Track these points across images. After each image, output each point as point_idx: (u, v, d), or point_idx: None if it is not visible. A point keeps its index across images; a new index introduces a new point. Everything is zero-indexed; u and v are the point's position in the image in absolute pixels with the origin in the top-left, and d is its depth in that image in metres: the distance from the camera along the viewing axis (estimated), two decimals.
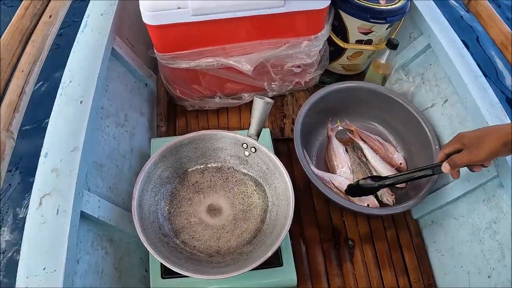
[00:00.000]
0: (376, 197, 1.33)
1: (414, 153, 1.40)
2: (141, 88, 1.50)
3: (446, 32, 1.36)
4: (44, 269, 0.81)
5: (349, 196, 1.30)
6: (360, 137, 1.45)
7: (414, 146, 1.40)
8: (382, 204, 1.31)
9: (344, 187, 1.32)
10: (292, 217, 1.00)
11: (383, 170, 1.37)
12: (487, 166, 1.03)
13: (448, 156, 1.06)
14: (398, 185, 1.33)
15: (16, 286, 0.80)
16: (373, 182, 1.24)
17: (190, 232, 1.09)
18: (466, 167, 1.03)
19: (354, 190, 1.28)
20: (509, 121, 1.13)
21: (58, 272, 0.81)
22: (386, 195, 1.31)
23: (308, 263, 1.29)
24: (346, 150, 1.41)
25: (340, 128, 1.48)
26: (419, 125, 1.34)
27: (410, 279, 1.29)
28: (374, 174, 1.37)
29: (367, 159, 1.41)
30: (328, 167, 1.40)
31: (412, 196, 1.23)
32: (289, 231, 1.05)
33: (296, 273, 1.11)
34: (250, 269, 0.93)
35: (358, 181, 1.27)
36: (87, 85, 1.08)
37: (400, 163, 1.38)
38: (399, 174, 1.23)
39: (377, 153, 1.42)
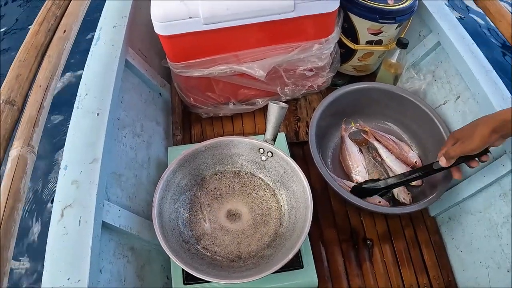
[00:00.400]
0: (392, 196, 1.32)
1: (429, 151, 1.39)
2: (155, 98, 1.50)
3: (455, 29, 1.35)
4: (68, 279, 0.81)
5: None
6: (375, 137, 1.43)
7: (428, 144, 1.39)
8: (398, 203, 1.30)
9: None
10: (311, 220, 1.00)
11: (399, 169, 1.35)
12: (484, 161, 1.05)
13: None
14: (413, 184, 1.32)
15: None
16: (376, 184, 1.26)
17: (211, 238, 1.09)
18: (465, 164, 1.08)
19: (357, 190, 1.28)
20: None
21: (82, 282, 0.81)
22: (402, 194, 1.30)
23: (328, 264, 1.28)
24: (361, 150, 1.41)
25: (354, 129, 1.47)
26: (432, 123, 1.33)
27: (429, 276, 1.28)
28: (390, 173, 1.36)
29: (382, 159, 1.40)
30: (344, 167, 1.39)
31: (428, 194, 1.21)
32: (308, 233, 1.04)
33: (317, 274, 1.10)
34: (271, 272, 0.92)
35: (361, 183, 1.30)
36: (103, 97, 1.08)
37: (415, 162, 1.37)
38: (399, 175, 1.24)
39: (392, 153, 1.40)
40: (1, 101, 0.87)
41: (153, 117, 1.43)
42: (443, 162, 1.08)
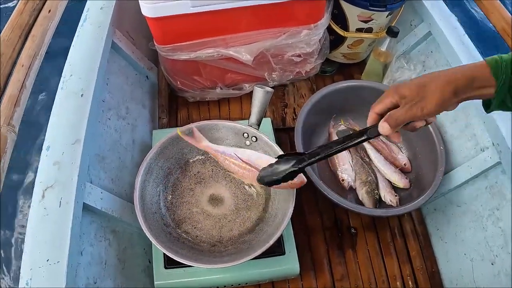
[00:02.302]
0: (379, 198, 1.31)
1: (418, 153, 1.38)
2: (142, 81, 1.51)
3: (447, 19, 1.37)
4: (47, 260, 0.83)
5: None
6: None
7: (418, 146, 1.38)
8: (385, 205, 1.31)
9: (349, 183, 1.33)
10: (293, 205, 1.01)
11: (387, 170, 1.36)
12: (430, 123, 0.82)
13: (380, 116, 0.84)
14: (401, 186, 1.32)
15: (20, 278, 0.82)
16: (294, 163, 0.94)
17: (192, 222, 1.11)
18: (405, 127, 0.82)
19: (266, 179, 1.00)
20: None
21: (61, 263, 0.83)
22: (389, 195, 1.30)
23: (311, 252, 1.30)
24: (348, 149, 1.40)
25: (343, 127, 1.47)
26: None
27: (413, 267, 1.30)
28: (378, 174, 1.35)
29: (370, 159, 1.40)
30: (330, 165, 1.40)
31: (415, 196, 1.20)
32: (291, 220, 1.06)
33: (299, 262, 1.12)
34: (252, 257, 0.94)
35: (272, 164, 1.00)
36: (87, 78, 1.09)
37: (405, 164, 1.37)
38: (325, 146, 0.91)
39: (381, 154, 1.41)
40: None
41: (139, 100, 1.44)
42: (385, 129, 0.80)
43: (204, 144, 1.09)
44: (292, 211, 1.01)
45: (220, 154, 1.07)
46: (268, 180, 0.98)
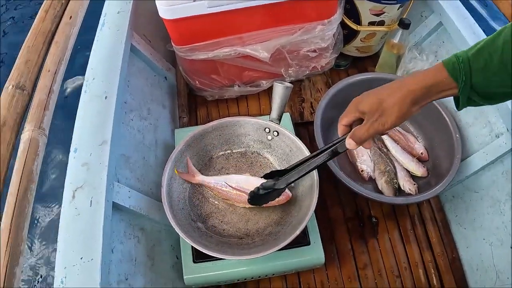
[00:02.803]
0: (398, 186, 1.30)
1: (435, 142, 1.38)
2: (161, 82, 1.51)
3: (457, 9, 1.36)
4: (81, 258, 0.83)
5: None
6: None
7: (435, 136, 1.38)
8: (404, 194, 1.29)
9: (368, 173, 1.33)
10: (317, 196, 1.01)
11: (404, 160, 1.35)
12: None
13: (348, 127, 0.87)
14: (420, 175, 1.32)
15: (55, 277, 0.82)
16: (274, 183, 1.01)
17: (219, 217, 1.11)
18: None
19: (255, 198, 1.06)
20: None
21: (95, 261, 0.83)
22: (408, 184, 1.30)
23: (335, 243, 1.30)
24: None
25: None
26: (439, 115, 1.32)
27: (434, 253, 1.30)
28: (396, 164, 1.35)
29: (388, 150, 1.39)
30: (349, 156, 1.39)
31: (433, 184, 1.20)
32: (315, 212, 1.05)
33: (324, 252, 1.12)
34: (279, 248, 0.94)
35: (258, 188, 1.04)
36: (109, 81, 1.10)
37: (421, 153, 1.37)
38: (301, 167, 0.99)
39: (398, 143, 1.40)
40: (12, 86, 0.88)
41: (159, 100, 1.45)
42: (352, 145, 0.83)
43: (198, 178, 1.12)
44: (316, 203, 1.00)
45: (213, 185, 1.11)
46: (256, 201, 1.07)
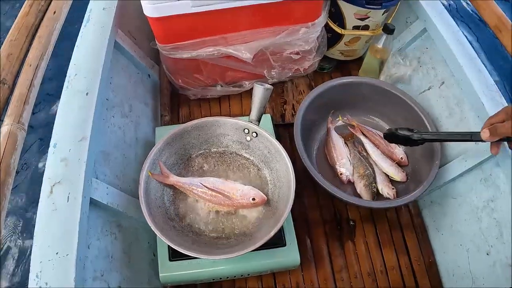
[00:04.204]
0: (377, 190, 1.35)
1: (416, 147, 1.36)
2: (144, 80, 1.55)
3: (442, 16, 1.40)
4: (57, 253, 0.86)
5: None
6: (362, 132, 1.47)
7: None
8: (383, 198, 1.34)
9: (347, 177, 1.37)
10: (293, 198, 1.04)
11: (384, 164, 1.39)
12: None
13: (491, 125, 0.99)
14: (399, 180, 1.36)
15: (30, 271, 0.85)
16: (410, 133, 1.21)
17: (195, 216, 1.14)
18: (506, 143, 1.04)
19: (391, 136, 1.27)
20: (505, 103, 1.17)
21: (70, 256, 0.86)
22: (386, 188, 1.34)
23: (312, 245, 1.34)
24: (346, 143, 1.44)
25: (341, 122, 1.51)
26: (421, 121, 1.35)
27: (411, 257, 1.34)
28: (375, 168, 1.39)
29: (368, 154, 1.43)
30: (328, 159, 1.43)
31: (412, 189, 1.23)
32: (292, 213, 1.13)
33: (300, 254, 1.16)
34: (254, 248, 0.97)
35: (396, 128, 1.25)
36: (92, 77, 1.13)
37: (401, 158, 1.41)
38: (437, 133, 1.24)
39: (378, 148, 1.44)
40: None
41: (141, 98, 1.48)
42: (485, 135, 0.97)
43: (172, 179, 1.14)
44: (291, 204, 1.04)
45: (188, 186, 1.14)
46: (389, 137, 1.28)
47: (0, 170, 0.83)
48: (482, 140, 1.00)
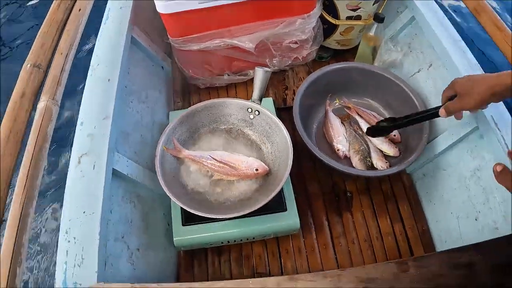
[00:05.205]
0: (372, 164, 1.49)
1: None
2: (158, 71, 1.74)
3: (428, 4, 1.56)
4: (84, 212, 1.02)
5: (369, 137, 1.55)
6: (357, 112, 1.61)
7: None
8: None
9: (343, 152, 1.52)
10: (291, 164, 1.20)
11: (378, 141, 1.54)
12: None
13: (447, 98, 1.19)
14: (391, 154, 1.51)
15: (60, 229, 1.00)
16: (386, 124, 1.41)
17: (205, 186, 1.29)
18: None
19: (372, 131, 1.48)
20: None
21: (96, 215, 1.01)
22: (380, 162, 1.48)
23: (312, 214, 1.49)
24: (342, 123, 1.59)
25: (338, 105, 1.66)
26: (411, 101, 1.49)
27: (405, 226, 1.47)
28: (370, 145, 1.54)
29: (363, 132, 1.57)
30: (327, 138, 1.58)
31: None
32: (293, 186, 1.30)
33: (301, 222, 1.31)
34: (257, 207, 1.12)
35: (378, 122, 1.46)
36: (112, 67, 1.31)
37: (394, 135, 1.55)
38: (407, 116, 1.35)
39: None
40: (30, 65, 1.11)
41: (156, 87, 1.67)
42: (443, 114, 1.19)
43: (184, 153, 1.31)
44: (290, 169, 1.19)
45: (199, 159, 1.31)
46: (373, 132, 1.48)
47: (38, 137, 1.01)
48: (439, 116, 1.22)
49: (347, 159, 1.53)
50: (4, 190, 0.91)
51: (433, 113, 1.25)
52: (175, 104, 1.72)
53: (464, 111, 1.20)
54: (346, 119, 1.63)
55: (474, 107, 1.10)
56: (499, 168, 1.02)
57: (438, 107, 1.22)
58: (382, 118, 1.46)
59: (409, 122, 1.35)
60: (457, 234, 1.34)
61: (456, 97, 1.14)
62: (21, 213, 0.89)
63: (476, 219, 1.27)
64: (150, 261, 1.26)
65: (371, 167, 1.49)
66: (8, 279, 0.81)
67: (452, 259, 0.94)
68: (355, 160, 1.50)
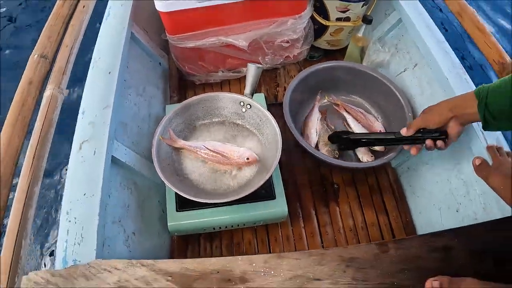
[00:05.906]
0: (357, 158, 1.58)
1: (392, 120, 1.65)
2: (156, 67, 1.83)
3: (414, 7, 1.65)
4: (84, 194, 1.09)
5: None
6: (345, 109, 1.70)
7: (392, 115, 1.65)
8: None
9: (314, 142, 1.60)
10: (280, 154, 1.28)
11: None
12: (439, 146, 1.21)
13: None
14: (377, 149, 1.59)
15: (61, 210, 1.07)
16: (346, 137, 1.50)
17: (198, 174, 1.38)
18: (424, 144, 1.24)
19: (334, 137, 1.57)
20: (469, 79, 1.37)
21: (95, 196, 1.09)
22: (366, 156, 1.56)
23: (300, 204, 1.58)
24: (320, 119, 1.68)
25: (327, 102, 1.75)
26: (397, 99, 1.58)
27: (389, 217, 1.56)
28: None
29: (350, 128, 1.66)
30: (302, 128, 1.67)
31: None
32: (283, 178, 1.37)
33: (289, 211, 1.39)
34: (248, 193, 1.20)
35: (336, 132, 1.56)
36: (113, 61, 1.40)
37: (380, 130, 1.63)
38: (368, 134, 1.46)
39: (359, 122, 1.67)
40: (37, 56, 1.20)
41: (153, 82, 1.76)
42: (403, 131, 1.26)
43: (180, 143, 1.41)
44: (279, 158, 1.27)
45: (193, 148, 1.40)
46: (334, 139, 1.56)
47: (44, 122, 1.11)
48: (404, 138, 1.29)
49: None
50: (11, 167, 1.00)
51: (394, 135, 1.33)
52: (171, 98, 1.82)
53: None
54: (323, 114, 1.70)
55: (434, 121, 1.18)
56: (478, 162, 1.13)
57: (395, 132, 1.32)
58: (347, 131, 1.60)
59: (369, 143, 1.49)
60: (439, 225, 1.40)
61: (419, 114, 1.24)
62: (28, 190, 0.98)
63: (457, 211, 1.34)
64: (145, 245, 1.32)
65: (357, 160, 1.58)
66: (14, 248, 0.91)
67: (430, 243, 1.03)
68: (323, 151, 1.58)
